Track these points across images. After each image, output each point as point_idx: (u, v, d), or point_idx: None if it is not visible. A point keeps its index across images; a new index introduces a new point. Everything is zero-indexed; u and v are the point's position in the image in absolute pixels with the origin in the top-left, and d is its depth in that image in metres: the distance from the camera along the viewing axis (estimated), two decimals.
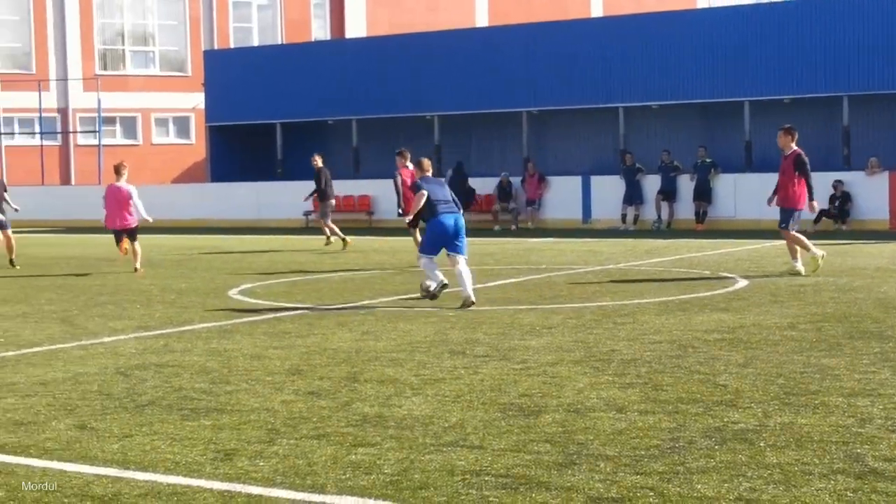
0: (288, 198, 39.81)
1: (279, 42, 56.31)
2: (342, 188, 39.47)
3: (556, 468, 6.89)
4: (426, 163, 16.59)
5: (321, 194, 27.64)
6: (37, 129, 53.60)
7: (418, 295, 16.08)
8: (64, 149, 55.22)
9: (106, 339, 12.64)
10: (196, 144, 56.19)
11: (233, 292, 17.44)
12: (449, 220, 15.65)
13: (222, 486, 6.65)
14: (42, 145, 51.55)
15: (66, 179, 54.40)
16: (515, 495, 6.37)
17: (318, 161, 27.92)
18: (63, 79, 54.53)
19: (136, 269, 21.08)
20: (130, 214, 21.24)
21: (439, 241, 15.69)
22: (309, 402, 8.97)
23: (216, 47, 54.84)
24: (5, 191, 23.52)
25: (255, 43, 57.41)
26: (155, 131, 56.98)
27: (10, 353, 11.74)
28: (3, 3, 52.68)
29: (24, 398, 9.31)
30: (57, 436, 7.98)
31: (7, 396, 9.39)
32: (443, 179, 16.62)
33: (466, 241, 15.84)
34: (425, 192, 15.70)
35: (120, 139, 56.05)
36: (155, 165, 55.05)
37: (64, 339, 12.72)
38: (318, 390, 9.43)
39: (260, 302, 16.12)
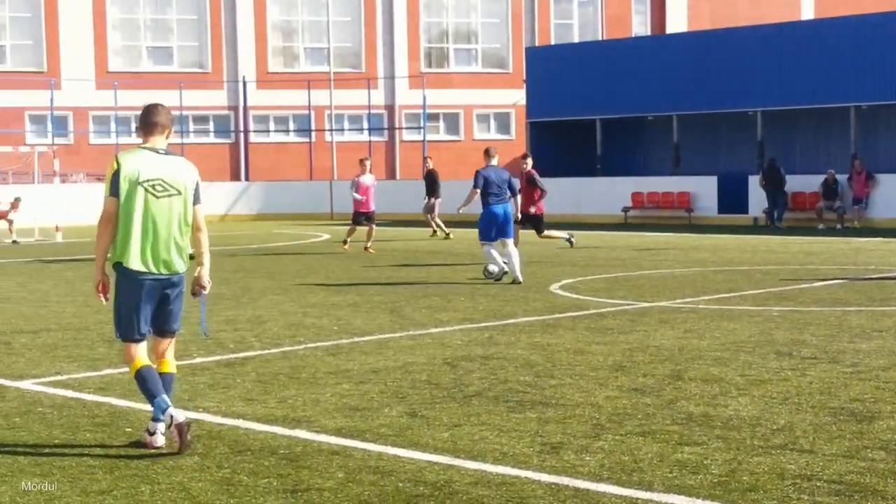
0: (607, 193, 39.91)
1: (599, 38, 56.37)
2: (661, 185, 39.26)
3: (893, 477, 6.66)
4: (492, 150, 19.23)
5: (431, 192, 32.39)
6: (365, 125, 55.58)
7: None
8: (390, 144, 57.03)
9: (433, 330, 13.00)
10: (516, 140, 56.93)
11: (554, 287, 17.60)
12: (499, 209, 18.34)
13: (550, 479, 6.74)
14: (370, 141, 53.42)
15: (391, 174, 56.16)
16: (849, 503, 6.19)
17: (430, 163, 33.35)
18: (390, 77, 56.31)
19: (365, 248, 25.27)
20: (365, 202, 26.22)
21: (492, 227, 18.26)
22: (633, 398, 8.97)
23: (537, 44, 55.43)
24: None
25: (576, 39, 57.68)
26: (476, 127, 58.09)
27: (344, 341, 12.24)
28: (336, 5, 54.84)
29: (358, 385, 9.69)
30: (390, 422, 8.27)
31: (343, 382, 9.80)
32: (502, 168, 19.37)
33: (513, 226, 18.63)
34: (478, 189, 18.44)
35: (442, 135, 57.42)
36: (476, 160, 55.89)
37: (393, 329, 13.15)
38: (641, 387, 9.42)
39: (581, 297, 16.21)
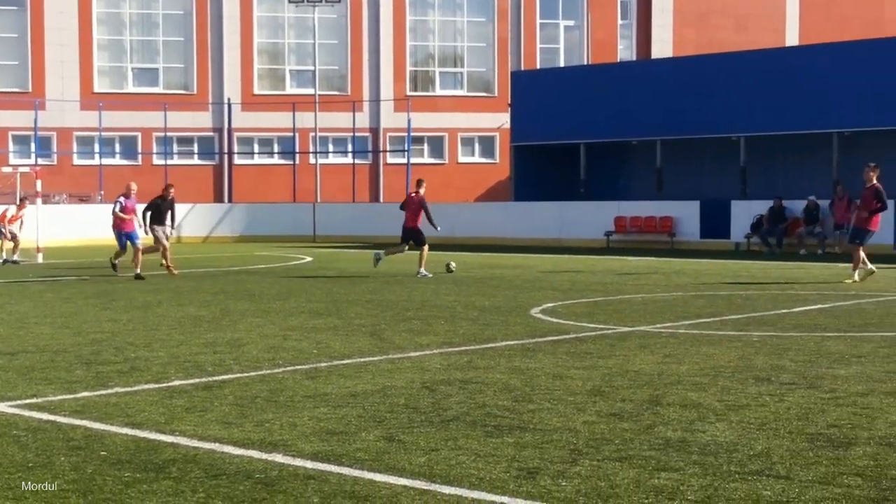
0: (590, 217, 39.96)
1: (585, 63, 56.57)
2: (644, 209, 39.38)
3: (869, 503, 6.65)
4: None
5: None
6: (349, 148, 55.62)
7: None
8: (373, 167, 57.08)
9: (412, 354, 12.97)
10: (500, 163, 57.04)
11: (534, 311, 17.60)
12: None
13: None
14: (354, 164, 53.45)
15: (374, 197, 56.19)
16: None
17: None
18: (375, 100, 56.39)
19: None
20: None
21: None
22: (611, 423, 8.95)
23: (523, 68, 55.57)
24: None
25: (561, 64, 57.89)
26: (461, 150, 58.20)
27: (323, 364, 12.21)
28: (322, 28, 54.87)
29: (335, 408, 9.65)
30: (367, 446, 8.23)
31: (320, 406, 9.76)
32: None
33: None
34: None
35: (427, 158, 57.50)
36: (460, 184, 56.17)
37: (372, 353, 13.12)
38: (620, 412, 9.41)
39: (561, 321, 16.20)
